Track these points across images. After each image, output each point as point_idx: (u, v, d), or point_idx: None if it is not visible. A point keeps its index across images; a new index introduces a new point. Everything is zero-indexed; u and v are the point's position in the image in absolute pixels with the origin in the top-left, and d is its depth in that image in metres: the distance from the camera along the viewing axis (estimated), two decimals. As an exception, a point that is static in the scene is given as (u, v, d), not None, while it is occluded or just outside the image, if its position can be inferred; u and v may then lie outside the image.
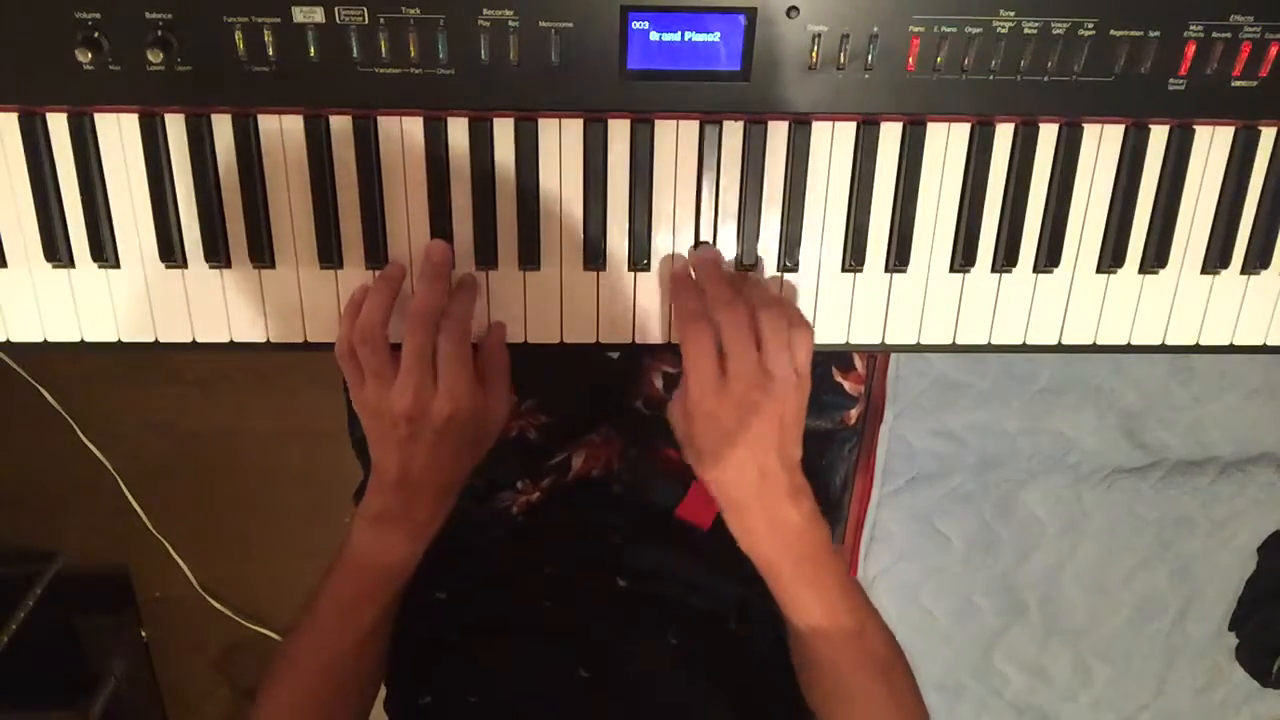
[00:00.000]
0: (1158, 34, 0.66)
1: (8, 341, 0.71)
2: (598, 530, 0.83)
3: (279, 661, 0.72)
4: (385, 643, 0.75)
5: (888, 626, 0.70)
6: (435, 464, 0.68)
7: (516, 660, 0.72)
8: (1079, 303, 0.75)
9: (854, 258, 0.72)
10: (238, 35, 0.63)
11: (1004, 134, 0.70)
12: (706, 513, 0.88)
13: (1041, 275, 0.74)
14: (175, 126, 0.67)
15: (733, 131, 0.69)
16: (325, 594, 0.71)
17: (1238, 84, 0.68)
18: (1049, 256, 0.73)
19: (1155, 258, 0.73)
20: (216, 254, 0.69)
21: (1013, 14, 0.65)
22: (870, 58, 0.66)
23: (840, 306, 0.74)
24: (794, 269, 0.72)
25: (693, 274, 0.70)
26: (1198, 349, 0.77)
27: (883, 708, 0.66)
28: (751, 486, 0.66)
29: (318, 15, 0.63)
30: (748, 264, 0.71)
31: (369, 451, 0.70)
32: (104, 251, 0.69)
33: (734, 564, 0.88)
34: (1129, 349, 0.76)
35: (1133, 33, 0.66)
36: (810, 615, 0.67)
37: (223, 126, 0.67)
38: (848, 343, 0.75)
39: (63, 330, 0.71)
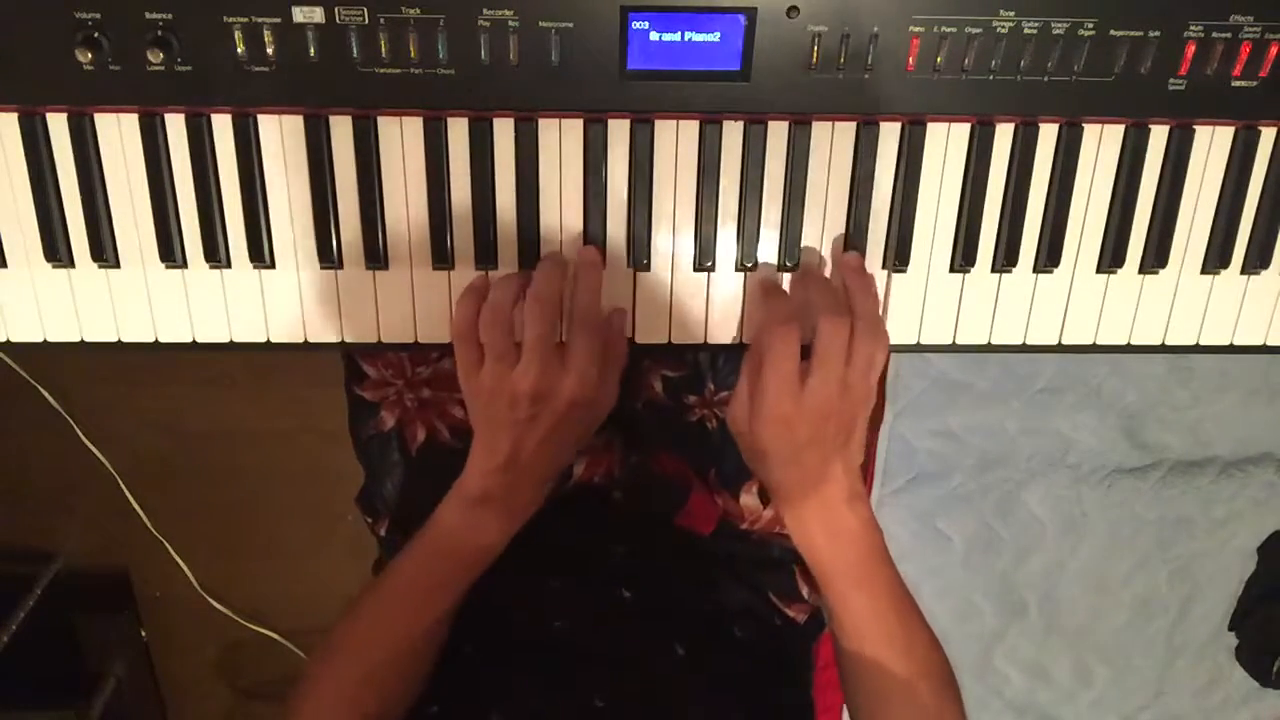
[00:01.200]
0: (1158, 34, 0.66)
1: (8, 341, 0.71)
2: (599, 539, 0.83)
3: (330, 649, 0.71)
4: (446, 639, 0.74)
5: (939, 642, 0.70)
6: (548, 447, 0.68)
7: (526, 673, 0.72)
8: (1079, 303, 0.75)
9: (854, 258, 0.72)
10: (238, 35, 0.63)
11: (1004, 134, 0.70)
12: (707, 519, 0.88)
13: (1041, 275, 0.74)
14: (175, 126, 0.67)
15: (733, 131, 0.69)
16: (404, 575, 0.70)
17: (1238, 84, 0.68)
18: (1049, 256, 0.73)
19: (1155, 258, 0.73)
20: (216, 254, 0.69)
21: (1013, 14, 0.65)
22: (870, 58, 0.66)
23: (840, 306, 0.73)
24: (794, 269, 0.72)
25: (826, 272, 0.71)
26: (1198, 349, 0.77)
27: (922, 718, 0.66)
28: (814, 490, 0.67)
29: (318, 15, 0.63)
30: (747, 264, 0.71)
31: (474, 431, 0.69)
32: (104, 251, 0.69)
33: (736, 569, 0.88)
34: (1129, 349, 0.77)
35: (1133, 33, 0.66)
36: (859, 617, 0.68)
37: (223, 126, 0.67)
38: (848, 343, 0.75)
39: (63, 330, 0.71)
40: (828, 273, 0.72)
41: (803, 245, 0.72)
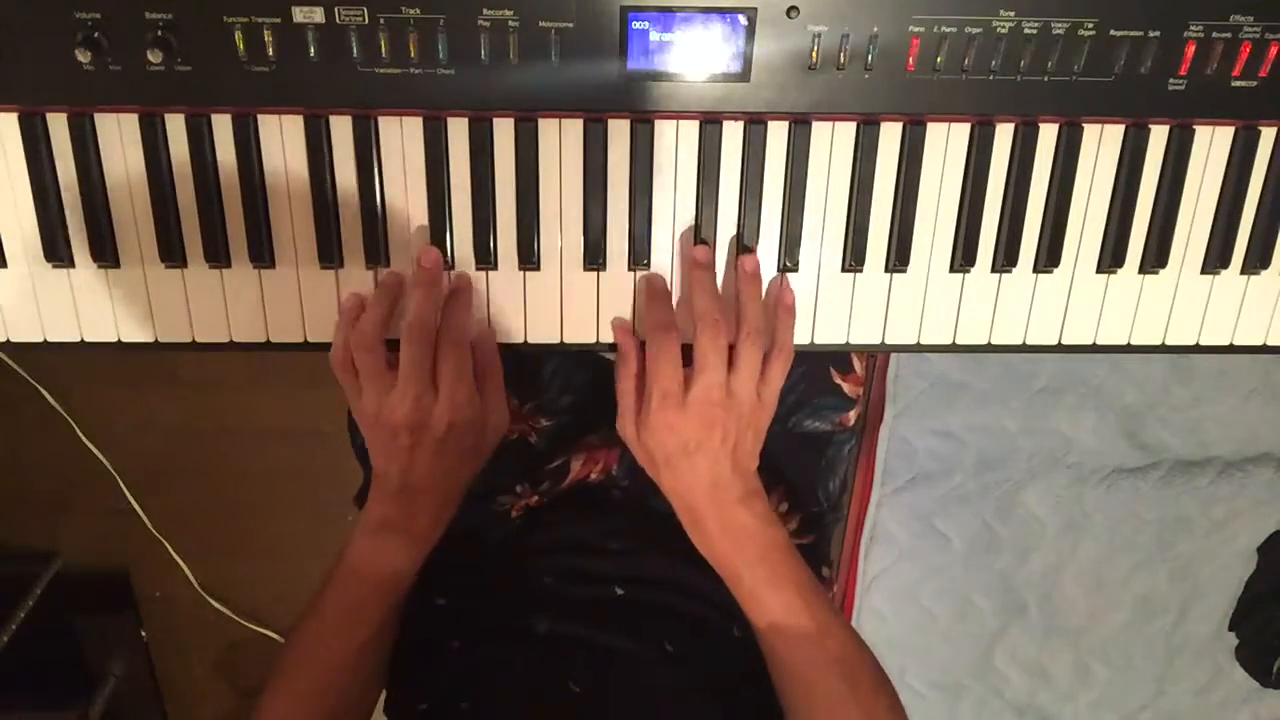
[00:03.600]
0: (1158, 34, 0.66)
1: (8, 341, 0.71)
2: (595, 536, 0.83)
3: (280, 665, 0.72)
4: (388, 648, 0.75)
5: (853, 629, 0.70)
6: (436, 472, 0.68)
7: (515, 670, 0.72)
8: (1079, 303, 0.75)
9: (854, 258, 0.72)
10: (238, 35, 0.63)
11: (1004, 134, 0.70)
12: None
13: (1041, 275, 0.74)
14: (175, 126, 0.67)
15: (733, 131, 0.69)
16: (327, 599, 0.71)
17: (1238, 84, 0.68)
18: (1049, 256, 0.73)
19: (1155, 258, 0.73)
20: (216, 254, 0.69)
21: (1013, 14, 0.65)
22: (870, 58, 0.66)
23: (840, 306, 0.74)
24: (794, 269, 0.72)
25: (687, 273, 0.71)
26: (1198, 349, 0.77)
27: (845, 710, 0.65)
28: (705, 494, 0.68)
29: (318, 15, 0.63)
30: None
31: (370, 460, 0.70)
32: (104, 251, 0.69)
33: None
34: (1129, 349, 0.76)
35: (1133, 33, 0.66)
36: (769, 614, 0.68)
37: (223, 126, 0.67)
38: (848, 343, 0.75)
39: (63, 330, 0.71)
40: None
41: (656, 247, 0.71)
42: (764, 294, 0.71)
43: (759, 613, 0.68)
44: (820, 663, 0.66)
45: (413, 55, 0.64)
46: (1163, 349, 0.77)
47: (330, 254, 0.70)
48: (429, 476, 0.68)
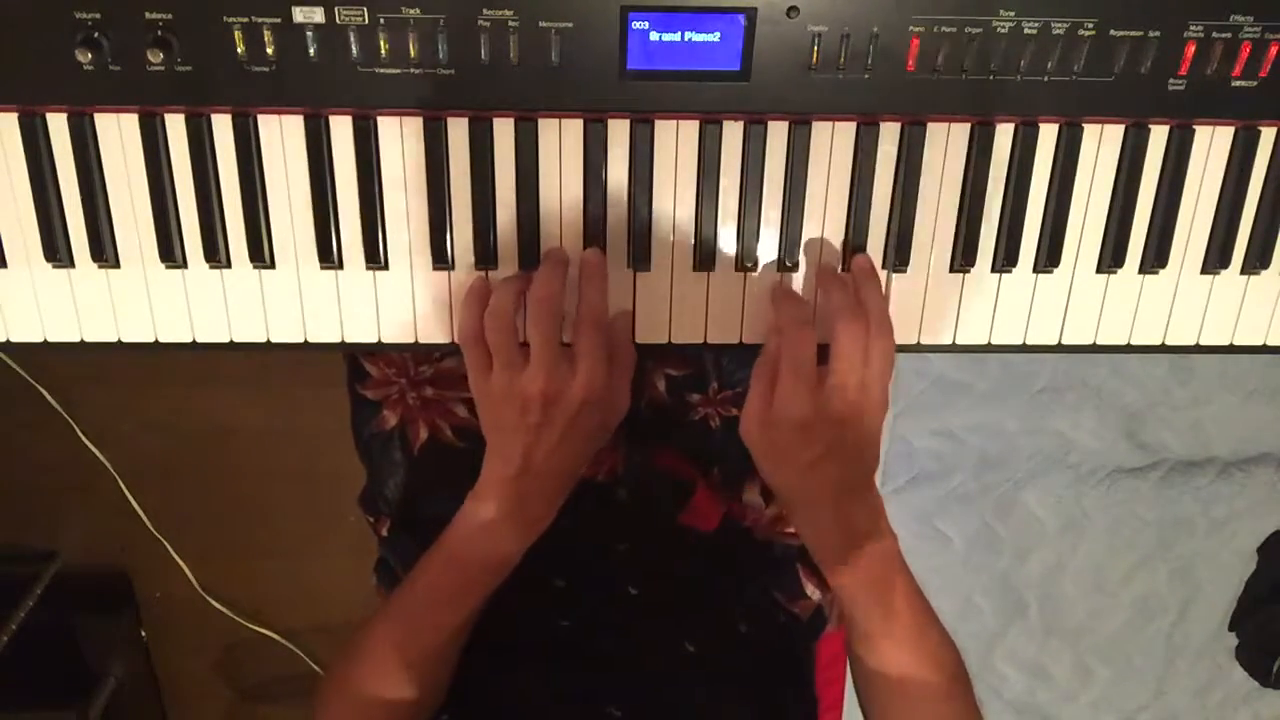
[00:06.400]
0: (1158, 34, 0.66)
1: (8, 341, 0.71)
2: (604, 537, 0.83)
3: (358, 651, 0.71)
4: (468, 637, 0.74)
5: (957, 649, 0.70)
6: (561, 451, 0.67)
7: (535, 678, 0.72)
8: (1079, 303, 0.75)
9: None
10: (238, 35, 0.63)
11: (1004, 134, 0.70)
12: (711, 517, 0.88)
13: (1041, 275, 0.74)
14: (175, 126, 0.67)
15: (733, 131, 0.69)
16: (423, 585, 0.70)
17: (1238, 84, 0.68)
18: (1049, 256, 0.73)
19: (1155, 258, 0.73)
20: (216, 254, 0.69)
21: (1013, 14, 0.65)
22: (870, 58, 0.66)
23: (840, 306, 0.73)
24: (794, 269, 0.72)
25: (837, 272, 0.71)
26: (1198, 349, 0.77)
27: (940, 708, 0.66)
28: (831, 497, 0.66)
29: (318, 15, 0.63)
30: (747, 264, 0.71)
31: (486, 439, 0.69)
32: (104, 251, 0.69)
33: (740, 567, 0.88)
34: (1129, 349, 0.76)
35: (1133, 33, 0.66)
36: (874, 625, 0.67)
37: (223, 126, 0.67)
38: (848, 343, 0.75)
39: (63, 330, 0.71)
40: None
41: (806, 247, 0.72)
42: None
43: (864, 620, 0.68)
44: (920, 679, 0.67)
45: (413, 55, 0.64)
46: (1163, 349, 0.77)
47: (330, 254, 0.70)
48: (552, 456, 0.67)
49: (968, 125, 0.70)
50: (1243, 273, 0.75)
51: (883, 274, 0.73)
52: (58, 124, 0.66)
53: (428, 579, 0.70)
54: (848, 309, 0.66)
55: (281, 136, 0.67)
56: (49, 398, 1.68)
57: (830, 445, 0.65)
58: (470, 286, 0.69)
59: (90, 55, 0.62)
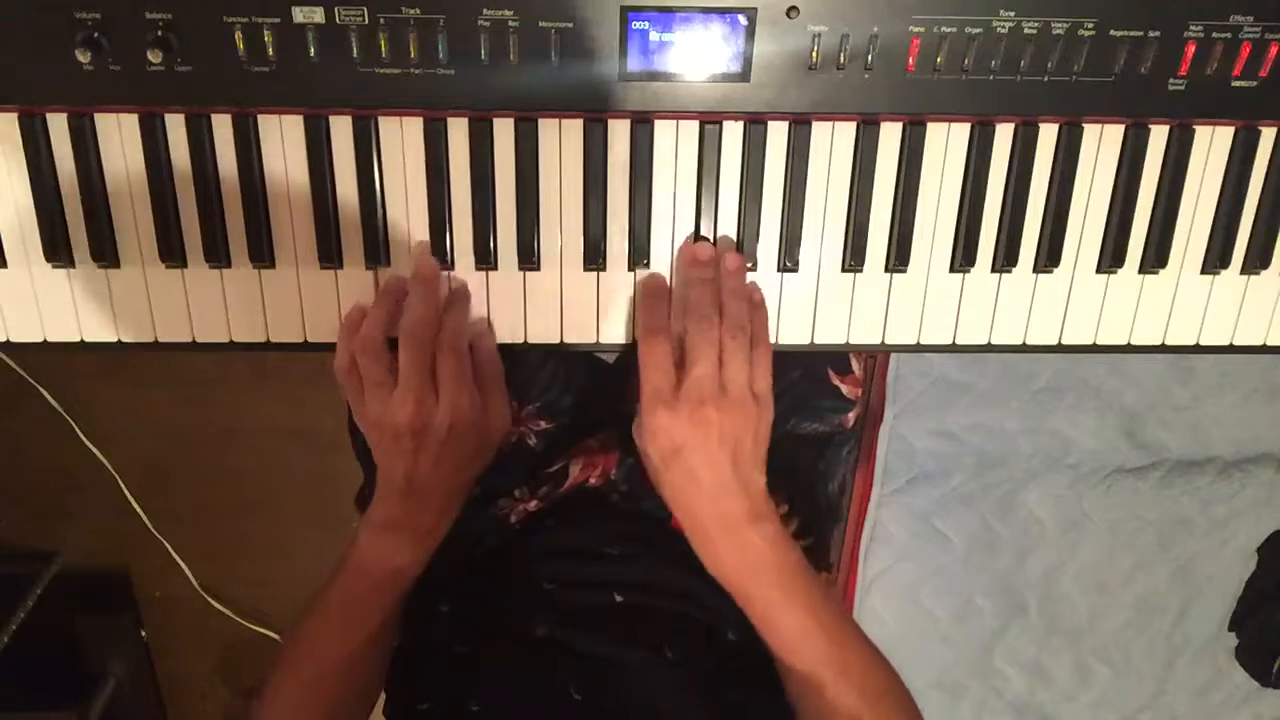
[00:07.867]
0: (1158, 34, 0.66)
1: (8, 341, 0.71)
2: (594, 542, 0.83)
3: (281, 664, 0.73)
4: (388, 649, 0.76)
5: (879, 653, 0.68)
6: (440, 474, 0.68)
7: (516, 677, 0.72)
8: (1079, 303, 0.75)
9: (854, 258, 0.72)
10: (238, 35, 0.63)
11: (1004, 134, 0.70)
12: None
13: (1041, 275, 0.74)
14: (175, 126, 0.67)
15: (733, 131, 0.69)
16: (330, 597, 0.71)
17: (1238, 84, 0.68)
18: (1049, 256, 0.73)
19: (1155, 258, 0.73)
20: (216, 254, 0.69)
21: (1013, 14, 0.65)
22: (870, 58, 0.66)
23: (840, 307, 0.74)
24: (794, 269, 0.72)
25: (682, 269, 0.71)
26: (1198, 349, 0.77)
27: None
28: (708, 506, 0.66)
29: (318, 15, 0.63)
30: (747, 264, 0.71)
31: (374, 462, 0.70)
32: (104, 251, 0.69)
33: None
34: (1129, 349, 0.76)
35: (1133, 33, 0.66)
36: (785, 640, 0.66)
37: (223, 126, 0.67)
38: (847, 343, 0.75)
39: (63, 330, 0.71)
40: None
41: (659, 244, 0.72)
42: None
43: (773, 637, 0.67)
44: (841, 691, 0.65)
45: (413, 55, 0.64)
46: (1163, 349, 0.77)
47: (330, 254, 0.70)
48: (432, 478, 0.68)
49: (968, 125, 0.70)
50: (1243, 273, 0.75)
51: (883, 275, 0.73)
52: (58, 124, 0.66)
53: (330, 594, 0.71)
54: (698, 309, 0.66)
55: (281, 136, 0.67)
56: (49, 398, 1.68)
57: (695, 449, 0.64)
58: (346, 315, 0.70)
59: (90, 55, 0.62)
